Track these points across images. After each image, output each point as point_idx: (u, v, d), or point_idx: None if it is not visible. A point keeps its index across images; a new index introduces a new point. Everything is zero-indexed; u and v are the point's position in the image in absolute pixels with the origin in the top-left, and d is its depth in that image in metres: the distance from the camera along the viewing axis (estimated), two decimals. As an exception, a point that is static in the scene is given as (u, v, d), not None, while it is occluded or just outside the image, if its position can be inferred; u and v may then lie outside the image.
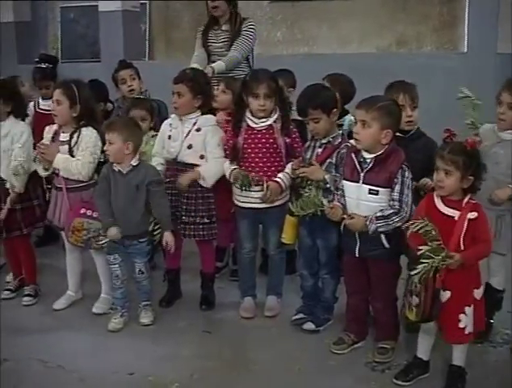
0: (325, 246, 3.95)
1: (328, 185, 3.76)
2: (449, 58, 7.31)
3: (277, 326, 4.14)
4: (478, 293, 3.29)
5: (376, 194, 3.44)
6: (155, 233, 4.18)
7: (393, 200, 3.41)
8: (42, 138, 4.33)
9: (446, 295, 3.21)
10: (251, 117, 4.04)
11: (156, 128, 4.51)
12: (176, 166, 4.22)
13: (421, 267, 3.09)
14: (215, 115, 4.39)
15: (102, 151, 4.12)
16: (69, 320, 4.30)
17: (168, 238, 4.06)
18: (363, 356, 3.72)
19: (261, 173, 4.03)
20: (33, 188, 4.54)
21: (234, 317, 4.29)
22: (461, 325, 3.22)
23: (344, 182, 3.60)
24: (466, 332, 3.24)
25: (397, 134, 3.56)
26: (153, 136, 4.49)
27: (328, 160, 3.83)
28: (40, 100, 5.54)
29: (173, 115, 4.33)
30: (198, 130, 4.18)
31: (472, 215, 3.15)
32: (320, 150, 3.89)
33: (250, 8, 7.73)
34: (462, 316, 3.21)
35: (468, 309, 3.22)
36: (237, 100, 4.14)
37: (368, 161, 3.47)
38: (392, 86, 3.87)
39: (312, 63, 6.68)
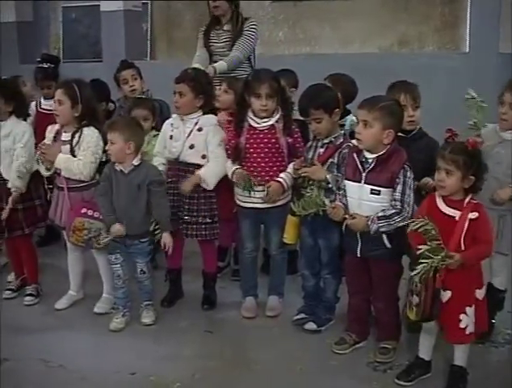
0: (327, 246, 3.95)
1: (330, 185, 3.76)
2: (451, 58, 7.31)
3: (278, 326, 4.14)
4: (480, 294, 3.28)
5: (378, 194, 3.44)
6: (156, 232, 4.18)
7: (395, 200, 3.41)
8: (44, 138, 4.34)
9: (446, 295, 3.21)
10: (253, 117, 4.04)
11: (158, 128, 4.51)
12: (178, 166, 4.23)
13: (420, 268, 3.09)
14: (216, 115, 4.39)
15: (104, 151, 4.12)
16: (70, 320, 4.31)
17: (166, 238, 4.06)
18: (365, 356, 3.72)
19: (263, 173, 4.04)
20: (35, 188, 4.55)
21: (236, 317, 4.29)
22: (462, 325, 3.21)
23: (346, 182, 3.60)
24: (467, 332, 3.23)
25: (399, 134, 3.55)
26: (154, 135, 4.50)
27: (330, 160, 3.83)
28: (42, 100, 5.54)
29: (174, 115, 4.34)
30: (199, 130, 4.18)
31: (473, 215, 3.15)
32: (322, 150, 3.89)
33: (252, 8, 7.72)
34: (463, 316, 3.20)
35: (469, 310, 3.22)
36: (239, 100, 4.14)
37: (370, 161, 3.47)
38: (394, 86, 3.87)
39: (314, 63, 6.67)
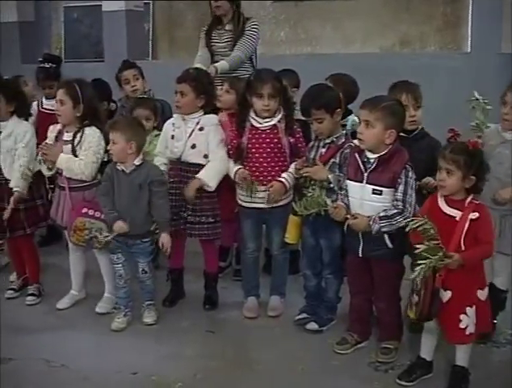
0: (329, 246, 3.95)
1: (331, 185, 3.76)
2: (452, 58, 7.31)
3: (280, 326, 4.14)
4: (482, 294, 3.28)
5: (380, 194, 3.44)
6: (157, 232, 4.17)
7: (397, 200, 3.41)
8: (45, 138, 4.35)
9: (447, 295, 3.21)
10: (255, 117, 4.04)
11: (159, 128, 4.50)
12: (180, 165, 4.23)
13: (418, 269, 3.09)
14: (218, 115, 4.39)
15: (106, 151, 4.12)
16: (72, 319, 4.31)
17: (164, 239, 4.04)
18: (367, 356, 3.72)
19: (265, 173, 4.04)
20: (36, 188, 4.55)
21: (237, 317, 4.29)
22: (462, 325, 3.21)
23: (348, 182, 3.60)
24: (467, 333, 3.23)
25: (401, 134, 3.55)
26: (156, 135, 4.49)
27: (331, 160, 3.83)
28: (44, 100, 5.54)
29: (175, 115, 4.34)
30: (201, 129, 4.18)
31: (474, 215, 3.14)
32: (323, 150, 3.89)
33: (253, 8, 7.71)
34: (463, 316, 3.20)
35: (470, 310, 3.21)
36: (241, 100, 4.15)
37: (372, 161, 3.47)
38: (396, 86, 3.88)
39: (316, 63, 6.67)
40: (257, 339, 4.04)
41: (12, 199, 4.36)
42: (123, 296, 4.20)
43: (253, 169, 4.06)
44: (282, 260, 4.33)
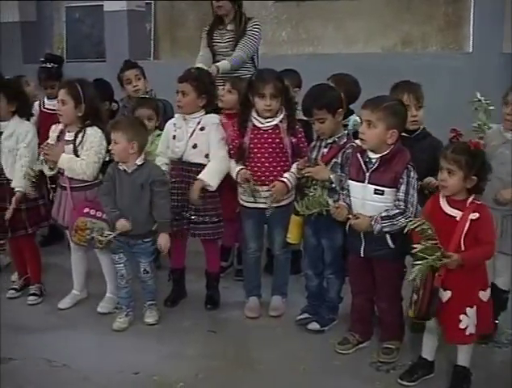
0: (330, 246, 3.95)
1: (333, 185, 3.76)
2: (454, 58, 7.31)
3: (282, 326, 4.14)
4: (484, 295, 3.27)
5: (382, 194, 3.44)
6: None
7: (399, 200, 3.41)
8: (47, 138, 4.35)
9: (446, 295, 3.21)
10: (257, 117, 4.04)
11: (161, 128, 4.50)
12: (181, 165, 4.23)
13: (415, 270, 3.10)
14: (219, 114, 4.39)
15: (108, 151, 4.12)
16: (74, 319, 4.31)
17: (162, 239, 4.03)
18: (368, 357, 3.72)
19: (267, 173, 4.04)
20: (38, 188, 4.55)
21: (239, 316, 4.29)
22: (461, 326, 3.20)
23: (349, 182, 3.60)
24: (467, 333, 3.22)
25: (403, 134, 3.55)
26: (158, 135, 4.49)
27: (333, 160, 3.83)
28: (45, 100, 5.53)
29: (177, 115, 4.34)
30: (202, 129, 4.18)
31: (474, 216, 3.14)
32: (325, 150, 3.89)
33: (255, 8, 7.72)
34: (463, 317, 3.19)
35: (470, 311, 3.20)
36: (243, 100, 4.15)
37: (374, 161, 3.47)
38: (398, 86, 3.88)
39: (317, 63, 6.68)
40: (258, 339, 4.03)
41: (14, 199, 4.36)
42: (124, 296, 4.20)
43: (255, 169, 4.06)
44: (283, 260, 4.33)
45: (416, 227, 3.12)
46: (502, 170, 3.54)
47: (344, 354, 3.76)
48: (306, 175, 3.86)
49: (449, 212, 3.21)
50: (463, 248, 3.14)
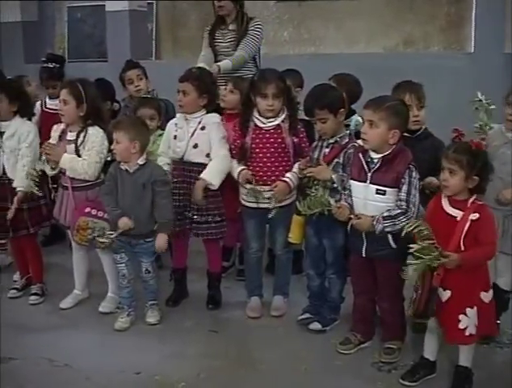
0: (332, 246, 3.95)
1: (335, 185, 3.76)
2: (456, 58, 7.30)
3: (283, 326, 4.14)
4: (486, 296, 3.26)
5: (383, 194, 3.44)
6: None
7: (400, 200, 3.41)
8: (49, 137, 4.35)
9: (446, 294, 3.21)
10: (259, 117, 4.04)
11: (163, 128, 4.50)
12: (183, 165, 4.23)
13: (409, 269, 3.10)
14: (220, 114, 4.39)
15: (110, 150, 4.13)
16: (75, 319, 4.31)
17: (160, 240, 4.02)
18: (370, 357, 3.72)
19: (269, 173, 4.04)
20: (40, 188, 4.54)
21: (241, 316, 4.29)
22: (461, 326, 3.20)
23: (351, 182, 3.60)
24: (467, 333, 3.21)
25: (404, 134, 3.55)
26: (160, 135, 4.49)
27: (335, 160, 3.83)
28: (47, 100, 5.54)
29: (178, 115, 4.34)
30: (203, 129, 4.19)
31: (474, 216, 3.14)
32: (327, 150, 3.89)
33: (257, 8, 7.73)
34: (462, 317, 3.19)
35: (470, 311, 3.20)
36: (245, 100, 4.15)
37: (375, 161, 3.47)
38: (399, 86, 3.88)
39: (319, 63, 6.67)
40: (260, 338, 4.03)
41: (15, 198, 4.36)
42: (126, 295, 4.20)
43: (257, 169, 4.06)
44: (285, 260, 4.33)
45: (414, 228, 3.12)
46: (504, 170, 3.54)
47: (346, 354, 3.76)
48: (308, 174, 3.86)
49: (450, 212, 3.21)
50: (462, 248, 3.14)
